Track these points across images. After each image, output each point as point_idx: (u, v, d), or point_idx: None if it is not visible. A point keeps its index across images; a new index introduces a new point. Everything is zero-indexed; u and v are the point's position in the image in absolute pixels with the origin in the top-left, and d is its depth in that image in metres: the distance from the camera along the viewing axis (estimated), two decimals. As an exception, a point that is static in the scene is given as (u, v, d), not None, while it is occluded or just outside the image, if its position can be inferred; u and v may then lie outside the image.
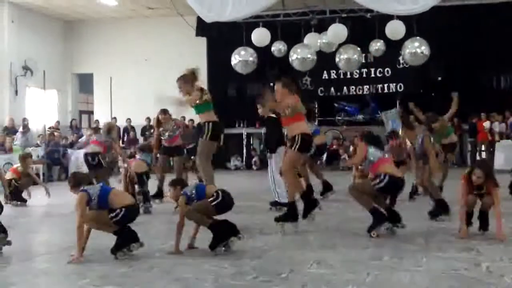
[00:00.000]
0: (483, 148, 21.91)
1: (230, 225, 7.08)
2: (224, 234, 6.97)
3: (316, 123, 14.24)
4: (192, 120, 23.71)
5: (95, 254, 6.95)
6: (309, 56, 20.75)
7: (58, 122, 24.23)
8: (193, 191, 7.15)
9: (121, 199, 7.00)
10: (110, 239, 6.92)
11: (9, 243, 7.30)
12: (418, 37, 19.84)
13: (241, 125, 24.64)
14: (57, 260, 6.90)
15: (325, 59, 21.83)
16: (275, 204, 11.00)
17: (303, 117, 8.60)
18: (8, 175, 13.11)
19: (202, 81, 9.92)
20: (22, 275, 6.35)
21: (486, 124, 21.50)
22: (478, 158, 22.20)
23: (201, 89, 9.46)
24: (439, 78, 22.64)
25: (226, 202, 7.12)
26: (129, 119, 24.22)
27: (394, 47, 20.81)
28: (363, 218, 9.36)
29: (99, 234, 7.06)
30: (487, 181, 7.80)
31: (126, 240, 6.83)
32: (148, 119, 23.52)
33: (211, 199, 7.05)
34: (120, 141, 23.30)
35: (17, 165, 13.54)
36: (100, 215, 6.82)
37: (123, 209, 6.80)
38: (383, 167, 8.04)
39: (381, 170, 7.97)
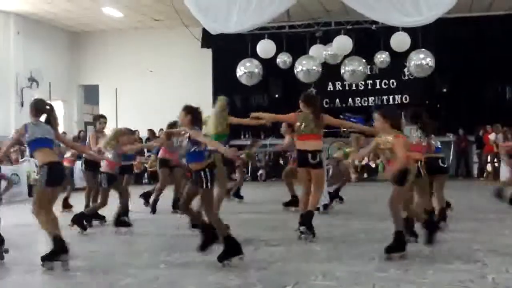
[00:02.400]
0: (489, 159, 21.88)
1: (239, 243, 7.06)
2: (236, 250, 6.93)
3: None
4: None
5: (100, 265, 6.95)
6: (314, 67, 20.76)
7: (64, 133, 24.27)
8: None
9: (45, 156, 7.08)
10: (116, 251, 6.91)
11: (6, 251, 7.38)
12: (423, 49, 19.85)
13: (247, 136, 24.63)
14: (60, 271, 6.88)
15: (330, 70, 21.85)
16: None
17: None
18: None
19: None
20: (24, 286, 6.35)
21: (492, 136, 21.49)
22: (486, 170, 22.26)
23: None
24: (444, 90, 22.63)
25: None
26: (137, 130, 24.10)
27: (399, 58, 20.84)
28: (368, 229, 9.37)
29: (103, 245, 7.06)
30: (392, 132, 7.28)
31: None
32: (150, 131, 23.27)
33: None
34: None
35: None
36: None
37: (46, 166, 6.88)
38: None
39: None
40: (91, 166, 11.12)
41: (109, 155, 9.97)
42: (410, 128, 8.91)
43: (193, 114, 7.04)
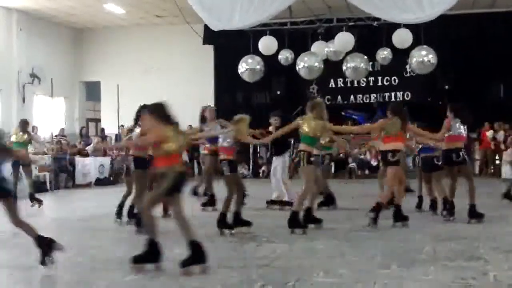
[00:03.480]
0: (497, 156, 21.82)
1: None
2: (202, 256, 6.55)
3: None
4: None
5: (102, 262, 6.95)
6: (316, 64, 20.75)
7: (62, 129, 24.31)
8: None
9: None
10: (117, 247, 6.90)
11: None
12: (425, 46, 19.83)
13: (248, 133, 24.57)
14: (63, 268, 6.88)
15: (332, 67, 21.84)
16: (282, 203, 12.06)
17: None
18: None
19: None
20: (28, 283, 6.35)
21: (489, 133, 21.48)
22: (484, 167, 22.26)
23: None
24: (447, 87, 22.59)
25: None
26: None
27: (401, 55, 20.82)
28: (371, 227, 9.35)
29: (105, 242, 7.06)
30: None
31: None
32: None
33: None
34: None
35: None
36: None
37: None
38: None
39: None
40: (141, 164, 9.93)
41: (224, 143, 9.56)
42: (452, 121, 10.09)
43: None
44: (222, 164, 9.41)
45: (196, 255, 6.45)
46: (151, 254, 6.57)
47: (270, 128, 12.31)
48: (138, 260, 6.57)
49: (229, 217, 9.17)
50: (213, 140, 11.10)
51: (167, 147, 6.57)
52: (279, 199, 12.47)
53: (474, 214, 9.91)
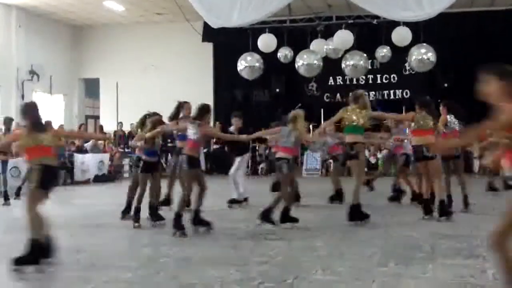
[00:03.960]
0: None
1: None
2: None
3: None
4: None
5: (102, 259, 6.95)
6: (315, 62, 20.76)
7: (61, 126, 24.31)
8: None
9: None
10: (116, 245, 6.91)
11: None
12: (424, 44, 19.83)
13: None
14: (63, 264, 6.88)
15: (331, 65, 21.83)
16: (233, 201, 12.17)
17: None
18: None
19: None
20: (27, 280, 6.35)
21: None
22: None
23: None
24: (446, 85, 22.59)
25: None
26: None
27: (401, 53, 20.81)
28: (370, 225, 9.36)
29: (104, 239, 7.06)
30: None
31: None
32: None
33: None
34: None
35: None
36: None
37: None
38: None
39: None
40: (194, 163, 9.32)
41: (287, 143, 9.30)
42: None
43: None
44: (281, 162, 9.25)
45: (32, 255, 6.57)
46: (32, 255, 6.62)
47: (231, 129, 12.54)
48: (20, 261, 6.59)
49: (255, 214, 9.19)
50: (184, 136, 10.35)
51: (25, 143, 6.96)
52: (241, 198, 12.44)
53: (467, 204, 10.97)
